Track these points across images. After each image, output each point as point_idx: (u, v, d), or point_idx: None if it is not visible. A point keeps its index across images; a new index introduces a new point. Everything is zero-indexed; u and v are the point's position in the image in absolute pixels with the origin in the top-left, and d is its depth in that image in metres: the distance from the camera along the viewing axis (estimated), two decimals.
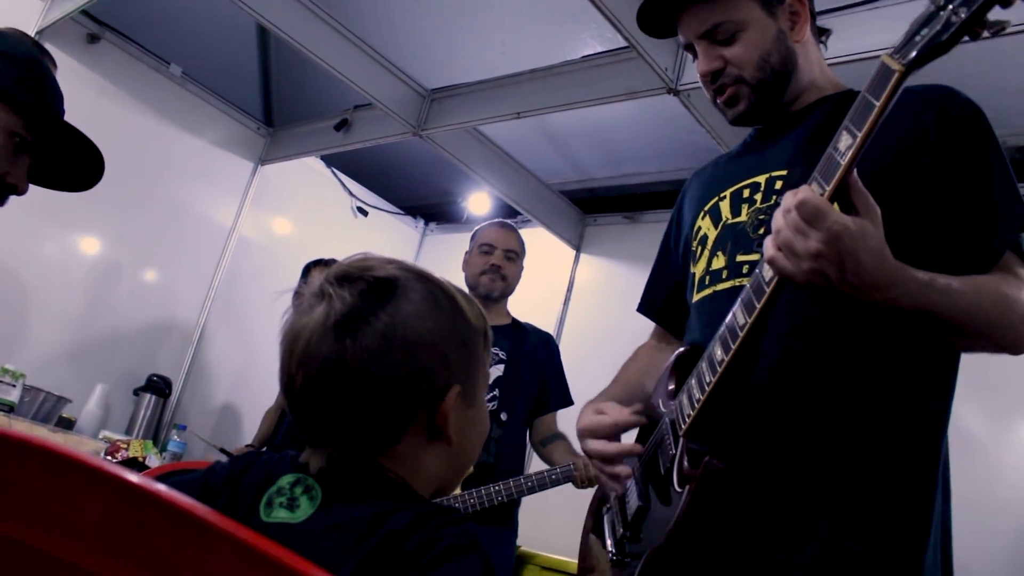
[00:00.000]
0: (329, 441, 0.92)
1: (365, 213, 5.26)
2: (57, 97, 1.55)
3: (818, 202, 1.01)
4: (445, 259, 4.63)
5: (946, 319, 1.12)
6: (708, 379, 1.20)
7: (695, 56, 1.47)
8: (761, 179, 1.40)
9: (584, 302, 4.66)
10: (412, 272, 0.95)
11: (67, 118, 1.57)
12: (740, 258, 1.36)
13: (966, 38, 0.91)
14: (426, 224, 5.65)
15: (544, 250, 4.48)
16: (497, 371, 2.88)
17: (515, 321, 3.08)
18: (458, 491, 2.64)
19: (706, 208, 1.49)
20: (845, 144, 1.00)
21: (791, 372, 1.25)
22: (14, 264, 3.81)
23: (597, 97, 3.31)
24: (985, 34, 0.91)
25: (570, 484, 2.70)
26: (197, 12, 4.03)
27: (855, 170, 1.02)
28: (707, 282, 1.43)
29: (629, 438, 1.49)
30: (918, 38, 0.94)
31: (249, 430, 4.26)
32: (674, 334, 1.61)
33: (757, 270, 1.13)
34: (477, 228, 3.19)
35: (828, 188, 1.01)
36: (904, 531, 1.19)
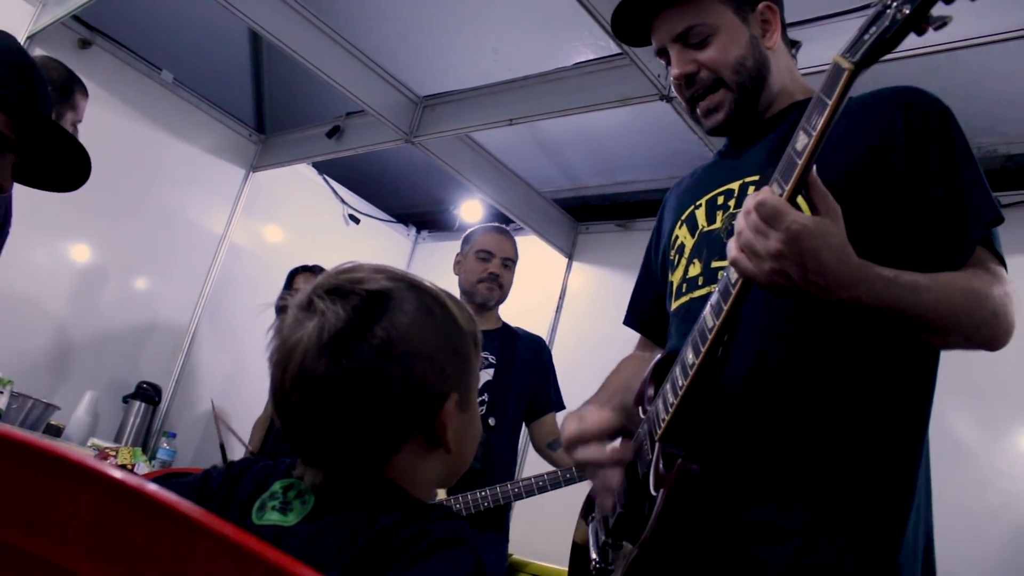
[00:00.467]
0: (326, 458, 0.91)
1: (357, 221, 5.25)
2: (45, 96, 1.54)
3: (776, 202, 1.02)
4: (437, 267, 4.62)
5: (915, 316, 1.13)
6: (681, 383, 1.20)
7: (668, 62, 1.47)
8: (735, 185, 1.42)
9: (576, 310, 4.66)
10: (403, 282, 0.95)
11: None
12: (715, 264, 1.38)
13: (912, 34, 0.93)
14: (418, 232, 5.65)
15: (536, 258, 4.48)
16: (486, 375, 2.87)
17: (505, 325, 3.07)
18: (443, 495, 2.63)
19: (683, 217, 1.51)
20: (802, 144, 1.01)
21: (764, 373, 1.26)
22: (3, 270, 3.78)
23: (590, 104, 3.31)
24: (930, 30, 0.93)
25: (561, 491, 2.67)
26: (189, 18, 4.02)
27: (814, 169, 1.03)
28: (684, 290, 1.44)
29: None
30: (866, 36, 0.96)
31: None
32: (660, 344, 1.62)
33: (724, 273, 1.14)
34: (471, 231, 3.15)
35: (787, 188, 1.02)
36: (880, 527, 1.19)
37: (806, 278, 1.04)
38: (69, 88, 2.84)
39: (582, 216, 4.85)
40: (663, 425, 1.24)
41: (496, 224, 3.22)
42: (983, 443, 3.04)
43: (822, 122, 0.98)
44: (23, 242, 3.83)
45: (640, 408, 1.40)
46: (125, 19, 4.02)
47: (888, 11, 0.94)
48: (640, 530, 1.23)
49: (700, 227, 1.44)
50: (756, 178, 1.37)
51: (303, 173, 4.98)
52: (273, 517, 0.89)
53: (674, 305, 1.47)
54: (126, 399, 4.16)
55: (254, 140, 4.89)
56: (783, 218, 1.02)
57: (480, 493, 2.64)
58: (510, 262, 3.04)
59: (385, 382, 0.89)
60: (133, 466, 3.28)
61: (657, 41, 1.47)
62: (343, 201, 5.21)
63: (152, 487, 0.34)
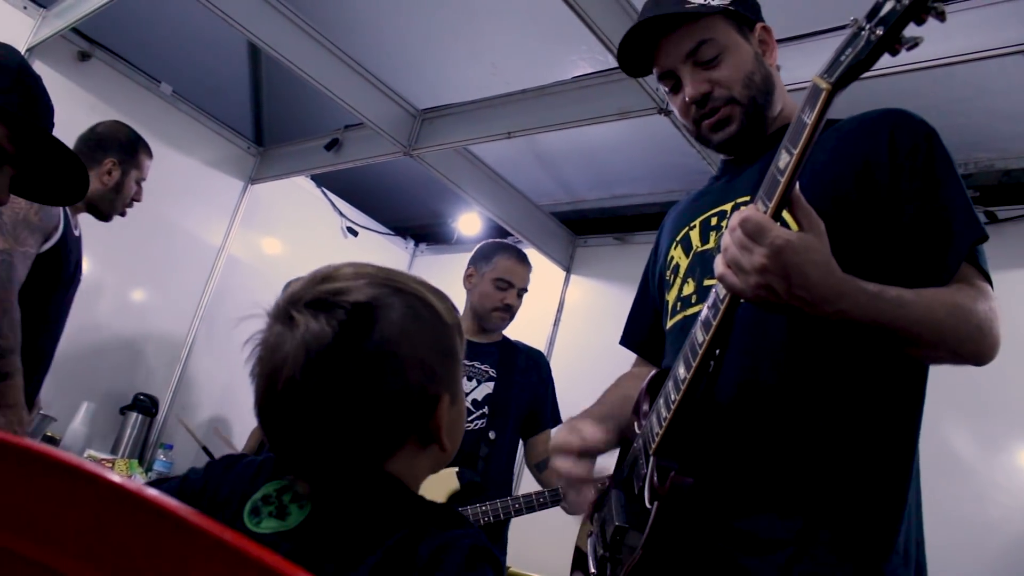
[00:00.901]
0: (317, 470, 0.89)
1: (355, 233, 5.25)
2: (47, 110, 1.54)
3: (760, 218, 1.05)
4: (435, 280, 4.51)
5: (900, 330, 1.14)
6: (673, 397, 1.22)
7: (671, 87, 1.48)
8: (727, 207, 1.44)
9: (574, 323, 4.65)
10: (387, 287, 0.92)
11: (57, 135, 1.57)
12: (707, 282, 1.40)
13: (886, 54, 0.96)
14: (416, 245, 5.65)
15: (534, 271, 4.45)
16: (487, 389, 2.86)
17: (505, 339, 3.06)
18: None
19: (678, 238, 1.53)
20: (784, 162, 1.04)
21: (755, 387, 1.28)
22: None
23: (588, 117, 3.31)
24: (903, 51, 0.96)
25: (560, 507, 2.67)
26: (188, 31, 4.03)
27: (797, 186, 1.06)
28: (678, 308, 1.47)
29: (608, 459, 1.50)
30: (843, 57, 0.99)
31: (236, 450, 4.22)
32: (655, 364, 1.64)
33: (713, 289, 1.17)
34: (491, 249, 3.09)
35: (770, 205, 1.04)
36: (870, 538, 1.20)
37: (791, 292, 1.06)
38: (134, 147, 2.95)
39: (580, 230, 4.86)
40: (657, 439, 1.26)
41: (517, 249, 3.14)
42: (982, 457, 3.03)
43: (802, 140, 1.01)
44: None
45: (635, 422, 1.42)
46: (124, 32, 4.03)
47: (863, 33, 0.96)
48: (636, 543, 1.24)
49: (694, 247, 1.47)
50: (747, 199, 1.39)
51: (301, 186, 4.98)
52: (271, 524, 0.86)
53: (669, 324, 1.50)
54: (123, 411, 4.14)
55: (252, 152, 4.89)
56: (767, 233, 1.04)
57: (481, 507, 2.63)
58: (524, 292, 3.03)
59: (379, 394, 0.87)
60: (129, 478, 3.26)
61: (665, 64, 1.47)
62: (341, 214, 5.21)
63: (151, 492, 0.34)
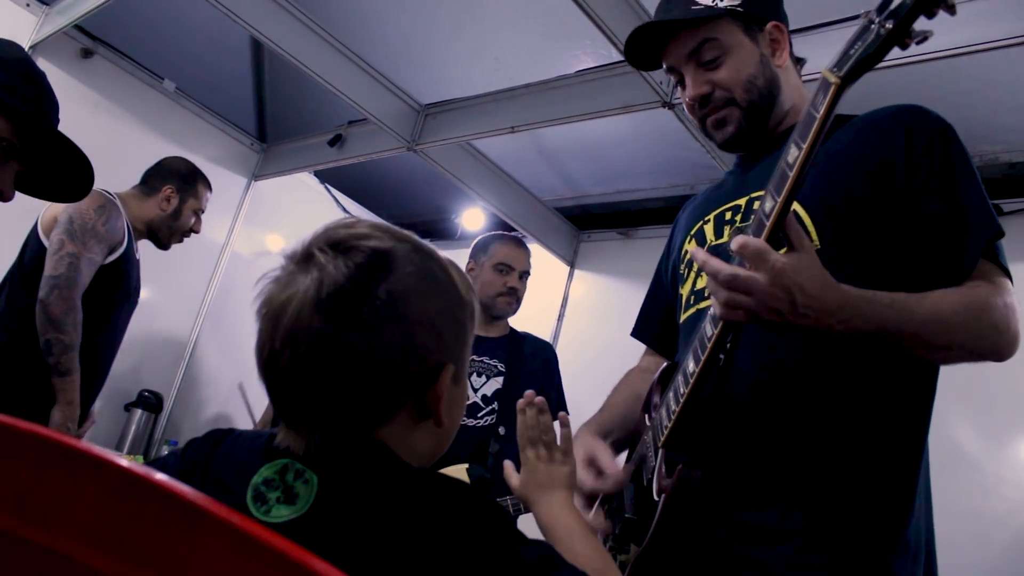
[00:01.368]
0: (313, 423, 0.86)
1: None
2: (51, 105, 1.54)
3: (757, 244, 1.07)
4: None
5: (908, 334, 1.14)
6: (682, 391, 1.23)
7: (678, 81, 1.50)
8: (741, 201, 1.45)
9: (578, 318, 4.65)
10: (407, 243, 0.91)
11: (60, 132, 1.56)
12: None
13: (896, 48, 0.96)
14: None
15: (538, 266, 4.43)
16: (496, 383, 2.85)
17: (513, 331, 3.06)
18: None
19: (692, 232, 1.54)
20: (793, 156, 1.04)
21: (765, 381, 1.28)
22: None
23: (592, 111, 3.30)
24: (912, 44, 0.96)
25: None
26: (191, 28, 4.03)
27: (792, 212, 1.07)
28: (692, 302, 1.48)
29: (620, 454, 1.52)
30: (852, 51, 0.99)
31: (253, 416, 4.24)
32: (667, 357, 1.65)
33: None
34: (486, 240, 3.11)
35: (779, 199, 1.05)
36: (879, 530, 1.20)
37: (796, 311, 1.08)
38: (193, 177, 3.13)
39: (584, 224, 4.85)
40: (666, 432, 1.27)
41: (513, 235, 3.17)
42: (987, 451, 3.03)
43: (811, 134, 1.01)
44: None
45: (646, 415, 1.43)
46: (127, 29, 4.03)
47: (872, 26, 0.96)
48: (644, 534, 1.24)
49: (708, 241, 1.48)
50: (762, 193, 1.38)
51: (305, 182, 4.98)
52: (283, 512, 0.82)
53: (683, 317, 1.51)
54: (128, 407, 4.15)
55: (256, 149, 4.89)
56: (767, 258, 1.06)
57: None
58: (526, 275, 3.03)
59: (383, 346, 0.84)
60: None
61: (670, 62, 1.49)
62: (345, 210, 5.21)
63: (159, 476, 0.34)
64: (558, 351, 4.37)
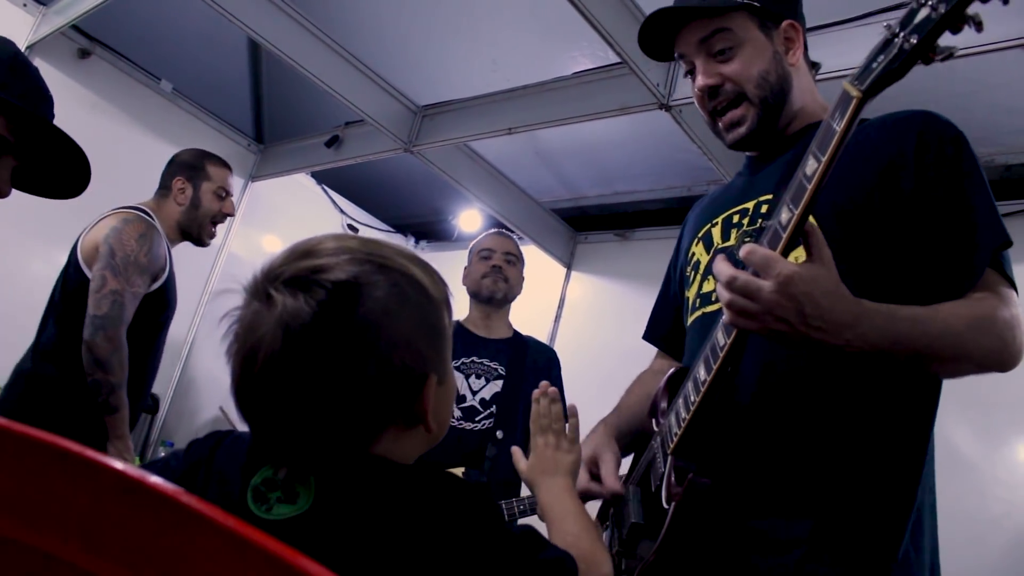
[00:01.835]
0: (296, 456, 0.85)
1: (355, 230, 5.25)
2: (45, 100, 1.53)
3: (765, 252, 1.06)
4: None
5: (922, 349, 1.13)
6: (693, 398, 1.22)
7: (688, 71, 1.49)
8: (749, 205, 1.44)
9: (575, 320, 4.65)
10: (370, 263, 0.87)
11: None
12: None
13: (919, 63, 0.95)
14: (416, 242, 5.64)
15: (535, 268, 4.46)
16: (495, 387, 2.84)
17: (517, 334, 3.05)
18: None
19: (700, 235, 1.53)
20: (811, 168, 1.03)
21: (772, 389, 1.28)
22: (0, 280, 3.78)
23: (589, 113, 3.31)
24: (937, 59, 0.94)
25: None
26: (188, 28, 4.02)
27: (812, 219, 1.06)
28: (698, 305, 1.47)
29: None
30: (875, 65, 0.97)
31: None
32: (677, 359, 1.64)
33: None
34: (474, 242, 3.18)
35: (796, 211, 1.04)
36: (878, 540, 1.20)
37: (806, 323, 1.06)
38: (199, 160, 3.01)
39: (581, 226, 4.86)
40: (675, 439, 1.26)
41: (495, 229, 3.27)
42: (983, 452, 3.03)
43: (831, 148, 1.00)
44: (20, 252, 3.83)
45: (653, 420, 1.42)
46: (124, 29, 4.03)
47: (896, 40, 0.95)
48: (652, 541, 1.24)
49: (715, 244, 1.47)
50: (770, 197, 1.39)
51: (302, 183, 4.98)
52: (284, 510, 0.82)
53: (690, 320, 1.51)
54: None
55: (253, 150, 4.89)
56: (774, 265, 1.04)
57: None
58: (512, 257, 3.05)
59: (361, 378, 0.82)
60: None
61: (681, 49, 1.48)
62: (342, 211, 5.21)
63: (154, 479, 0.34)
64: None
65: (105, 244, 2.63)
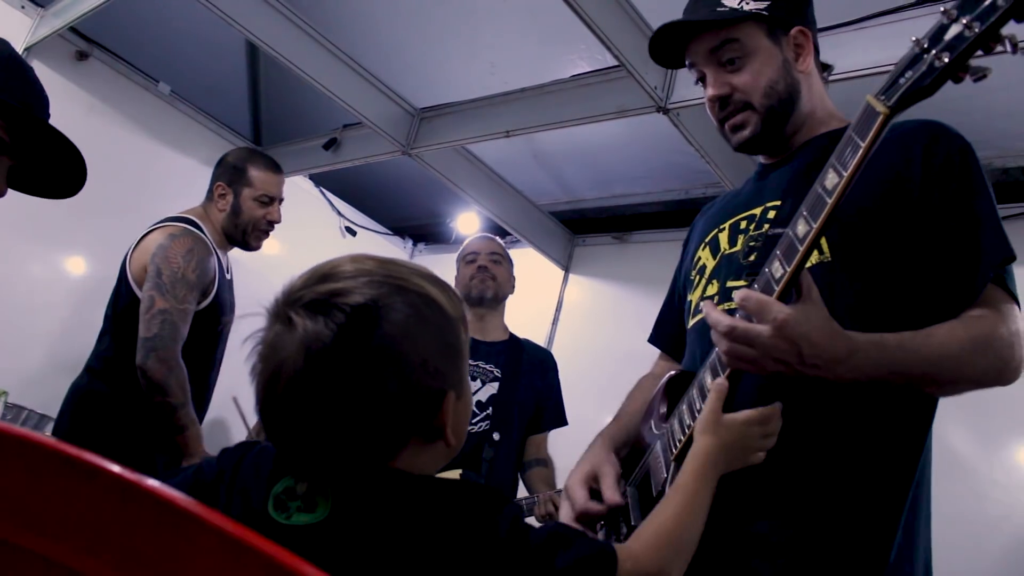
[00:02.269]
0: (320, 471, 0.88)
1: (354, 233, 5.24)
2: (40, 99, 1.53)
3: (759, 297, 1.07)
4: None
5: (918, 374, 1.15)
6: (699, 405, 1.23)
7: (698, 79, 1.50)
8: (757, 211, 1.44)
9: (573, 323, 4.64)
10: (388, 285, 0.89)
11: None
12: (730, 284, 1.40)
13: (949, 82, 0.94)
14: (415, 244, 5.64)
15: (533, 270, 4.47)
16: (491, 389, 2.85)
17: (513, 337, 3.05)
18: None
19: (707, 239, 1.54)
20: (832, 182, 1.03)
21: (772, 394, 1.27)
22: None
23: (587, 116, 3.31)
24: (968, 78, 0.93)
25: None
26: (186, 31, 4.02)
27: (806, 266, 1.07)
28: (699, 309, 1.47)
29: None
30: (902, 80, 0.96)
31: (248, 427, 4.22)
32: (680, 362, 1.63)
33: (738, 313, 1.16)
34: (459, 249, 3.23)
35: (815, 225, 1.04)
36: (866, 547, 1.20)
37: (803, 362, 1.08)
38: (242, 163, 2.88)
39: (579, 229, 4.85)
40: (679, 445, 1.26)
41: (480, 233, 3.33)
42: (981, 455, 3.03)
43: (854, 164, 1.00)
44: (19, 254, 3.82)
45: (650, 425, 1.42)
46: (122, 31, 4.03)
47: (926, 57, 0.93)
48: None
49: (722, 249, 1.48)
50: (778, 203, 1.40)
51: (300, 185, 4.97)
52: (303, 518, 0.84)
53: (691, 323, 1.51)
54: None
55: None
56: (770, 310, 1.06)
57: None
58: (497, 256, 3.08)
59: (381, 397, 0.85)
60: None
61: (692, 59, 1.49)
62: (340, 213, 5.20)
63: (151, 482, 0.34)
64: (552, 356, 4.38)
65: (152, 263, 2.57)
